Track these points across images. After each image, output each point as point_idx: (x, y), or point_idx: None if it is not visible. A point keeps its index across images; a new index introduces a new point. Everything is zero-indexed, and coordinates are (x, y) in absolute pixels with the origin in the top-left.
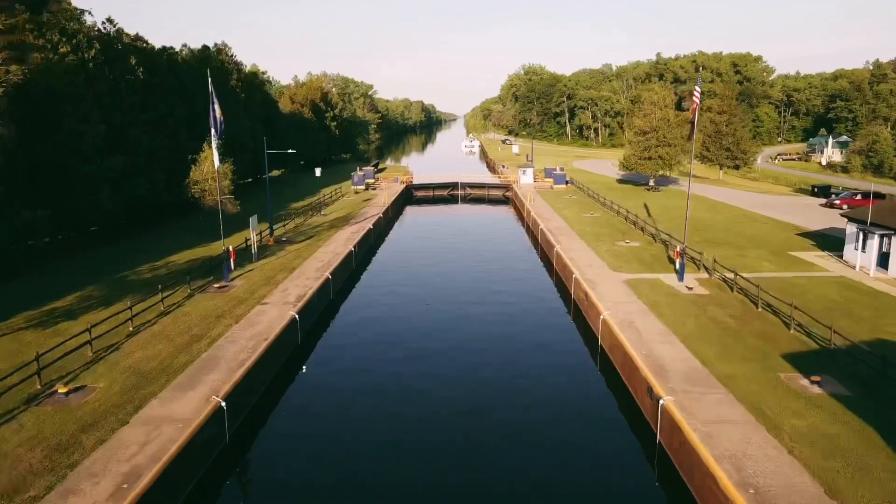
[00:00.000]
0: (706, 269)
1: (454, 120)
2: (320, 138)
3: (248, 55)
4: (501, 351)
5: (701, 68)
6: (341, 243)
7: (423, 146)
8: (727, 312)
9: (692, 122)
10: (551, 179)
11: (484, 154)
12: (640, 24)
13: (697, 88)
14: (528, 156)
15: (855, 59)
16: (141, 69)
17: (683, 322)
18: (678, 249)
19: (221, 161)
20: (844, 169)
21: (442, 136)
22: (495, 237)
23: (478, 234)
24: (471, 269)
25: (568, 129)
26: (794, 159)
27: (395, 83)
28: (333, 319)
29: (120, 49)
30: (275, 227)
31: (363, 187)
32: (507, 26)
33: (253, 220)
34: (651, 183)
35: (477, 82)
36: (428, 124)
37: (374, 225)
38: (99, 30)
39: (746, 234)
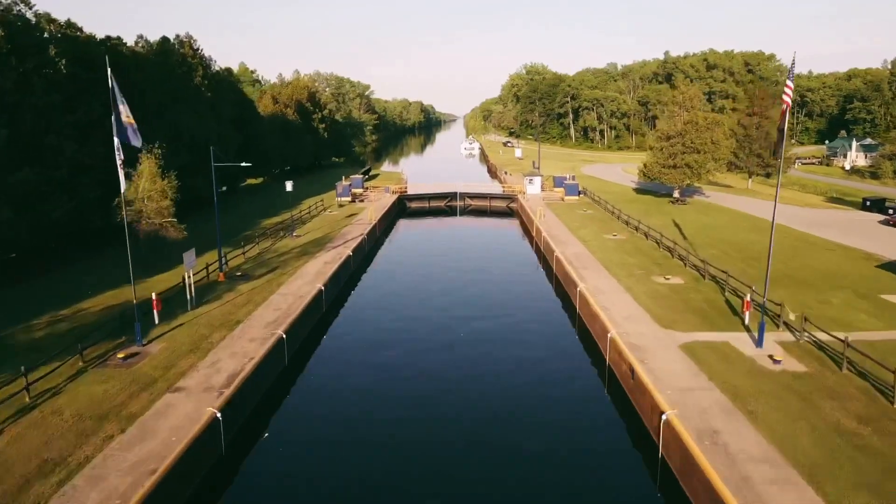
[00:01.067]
0: (787, 325)
1: (454, 121)
2: (306, 142)
3: (248, 56)
4: (515, 464)
5: (785, 64)
6: (309, 279)
7: (422, 147)
8: (850, 410)
9: (781, 130)
10: (562, 189)
11: (484, 157)
12: (641, 24)
13: (789, 83)
14: (534, 162)
15: (859, 59)
16: (63, 62)
17: (793, 433)
18: (748, 299)
19: (163, 175)
20: (874, 175)
21: (441, 137)
22: (499, 263)
23: (479, 261)
24: (470, 315)
25: (572, 130)
26: (813, 163)
27: (394, 83)
28: (283, 403)
29: (36, 37)
30: (232, 255)
31: (349, 199)
32: (507, 26)
33: (189, 255)
34: (676, 195)
35: (477, 83)
36: (427, 125)
37: (355, 250)
38: (15, 13)
39: (814, 267)
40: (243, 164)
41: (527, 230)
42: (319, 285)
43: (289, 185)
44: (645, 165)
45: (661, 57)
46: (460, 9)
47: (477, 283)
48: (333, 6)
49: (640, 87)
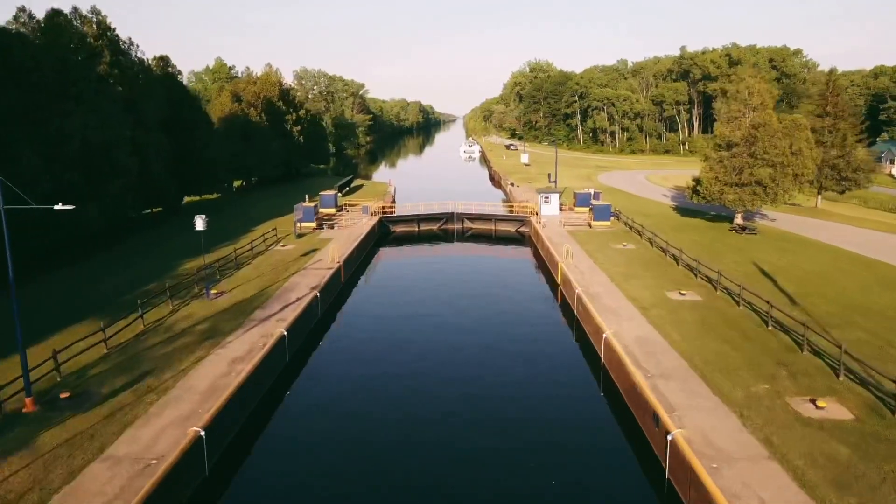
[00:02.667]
0: None
1: (453, 121)
2: (273, 148)
3: (248, 56)
4: None
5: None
6: (190, 405)
7: (420, 149)
8: None
9: None
10: (586, 210)
11: (485, 160)
12: (642, 23)
13: None
14: (550, 175)
15: (866, 57)
16: None
17: None
18: None
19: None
20: None
21: (440, 138)
22: (514, 343)
23: (483, 332)
24: (477, 474)
25: (580, 132)
26: None
27: (394, 83)
28: None
29: None
30: (88, 344)
31: (313, 225)
32: (509, 25)
33: None
34: (738, 221)
35: (477, 83)
36: (426, 125)
37: (294, 325)
38: None
39: None
40: (56, 206)
41: (543, 266)
42: (197, 428)
43: (199, 223)
44: (698, 182)
45: (673, 53)
46: (461, 9)
47: (480, 387)
48: (333, 6)
49: (654, 85)
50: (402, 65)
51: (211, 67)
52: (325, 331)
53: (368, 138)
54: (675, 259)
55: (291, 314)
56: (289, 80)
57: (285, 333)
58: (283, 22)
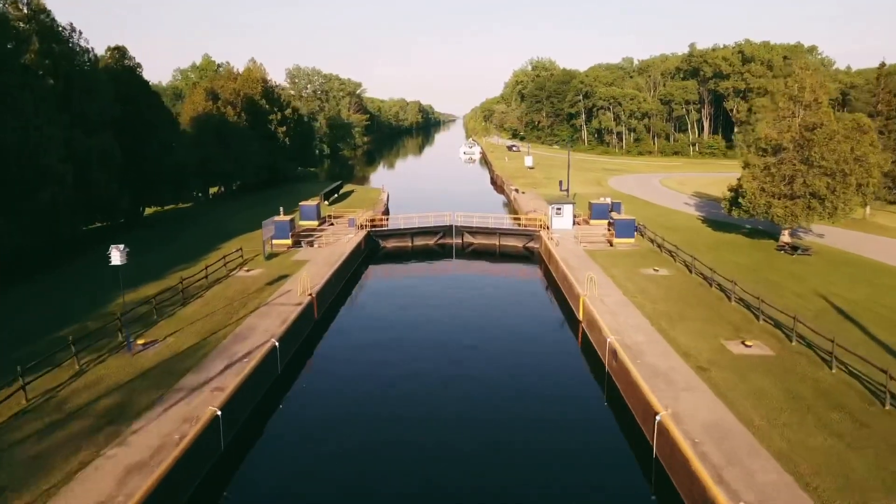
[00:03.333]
0: None
1: (453, 121)
2: (254, 150)
3: (246, 56)
4: None
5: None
6: None
7: (420, 149)
8: None
9: None
10: (603, 223)
11: (486, 162)
12: (645, 24)
13: None
14: (561, 182)
15: (858, 59)
16: None
17: None
18: None
19: None
20: None
21: (440, 138)
22: (529, 407)
23: (485, 397)
24: None
25: (584, 132)
26: None
27: (392, 83)
28: None
29: None
30: None
31: (288, 242)
32: (510, 25)
33: None
34: (785, 238)
35: (477, 83)
36: (426, 125)
37: (232, 398)
38: None
39: None
40: None
41: (557, 293)
42: None
43: (115, 256)
44: (737, 192)
45: (687, 50)
46: (461, 9)
47: (488, 481)
48: (333, 6)
49: (662, 84)
50: (402, 65)
51: (198, 65)
52: (285, 394)
53: (366, 139)
54: (723, 290)
55: (234, 380)
56: (282, 78)
57: (219, 413)
58: (282, 22)
